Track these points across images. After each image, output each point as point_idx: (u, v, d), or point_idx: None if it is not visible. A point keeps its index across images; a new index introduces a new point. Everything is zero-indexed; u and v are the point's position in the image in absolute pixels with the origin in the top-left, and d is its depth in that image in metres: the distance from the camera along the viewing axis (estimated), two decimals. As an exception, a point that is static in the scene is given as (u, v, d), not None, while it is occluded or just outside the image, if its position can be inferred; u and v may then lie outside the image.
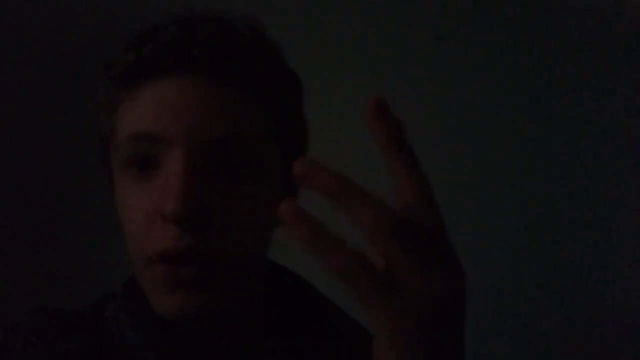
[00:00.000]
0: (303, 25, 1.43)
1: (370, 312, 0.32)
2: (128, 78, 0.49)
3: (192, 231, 0.46)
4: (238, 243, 0.48)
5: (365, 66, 1.50)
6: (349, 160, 1.43)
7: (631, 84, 1.59)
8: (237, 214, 0.48)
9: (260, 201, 0.50)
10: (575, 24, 1.61)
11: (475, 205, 1.55)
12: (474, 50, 1.56)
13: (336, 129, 1.40)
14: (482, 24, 1.58)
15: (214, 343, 0.54)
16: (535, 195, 1.58)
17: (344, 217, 0.32)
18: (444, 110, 1.55)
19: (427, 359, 0.33)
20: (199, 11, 0.52)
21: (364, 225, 0.32)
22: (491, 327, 1.50)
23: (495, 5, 1.58)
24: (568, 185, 1.59)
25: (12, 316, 0.54)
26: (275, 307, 0.59)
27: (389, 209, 0.32)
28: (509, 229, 1.57)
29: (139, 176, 0.48)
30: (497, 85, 1.58)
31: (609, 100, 1.61)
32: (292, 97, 0.55)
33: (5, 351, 0.50)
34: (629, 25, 1.64)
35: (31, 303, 0.59)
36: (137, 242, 0.48)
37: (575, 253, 1.61)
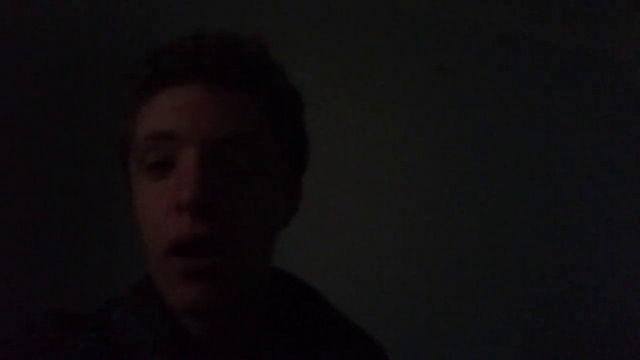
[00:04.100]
0: (308, 49, 1.46)
1: None
2: (146, 87, 0.54)
3: (205, 220, 0.49)
4: (246, 236, 0.51)
5: (367, 91, 1.54)
6: (350, 169, 1.47)
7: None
8: (245, 209, 0.51)
9: (265, 200, 0.53)
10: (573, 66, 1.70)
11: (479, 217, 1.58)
12: (473, 81, 1.63)
13: (338, 149, 1.44)
14: (482, 58, 1.65)
15: (223, 346, 0.55)
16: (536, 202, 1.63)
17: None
18: (443, 137, 1.60)
19: None
20: (209, 31, 0.57)
21: None
22: (491, 327, 1.51)
23: (495, 40, 1.66)
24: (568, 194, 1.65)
25: (24, 317, 0.55)
26: (282, 312, 0.60)
27: None
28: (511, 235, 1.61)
29: (156, 175, 0.52)
30: (495, 115, 1.64)
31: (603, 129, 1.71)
32: (293, 108, 0.59)
33: (17, 349, 0.51)
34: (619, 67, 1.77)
35: (40, 306, 0.60)
36: (153, 236, 0.51)
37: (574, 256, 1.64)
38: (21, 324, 0.54)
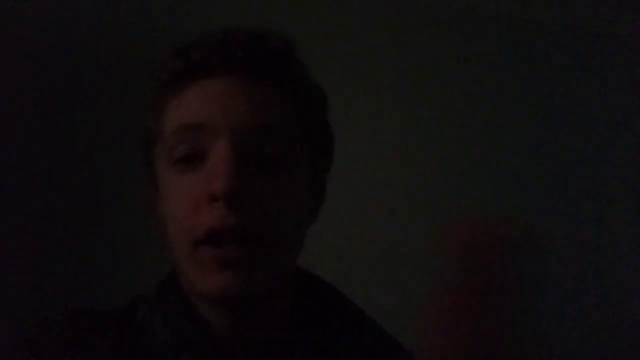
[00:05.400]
0: (326, 41, 1.46)
1: None
2: (176, 81, 0.54)
3: (238, 210, 0.49)
4: (276, 227, 0.52)
5: (386, 82, 1.53)
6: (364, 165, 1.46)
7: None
8: (274, 200, 0.52)
9: (292, 193, 0.54)
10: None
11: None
12: (492, 71, 1.61)
13: (357, 141, 1.43)
14: (500, 48, 1.64)
15: (246, 344, 0.55)
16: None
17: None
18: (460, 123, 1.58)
19: None
20: (235, 26, 0.57)
21: None
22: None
23: (513, 30, 1.64)
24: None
25: (45, 314, 0.55)
26: (305, 311, 0.59)
27: None
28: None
29: (186, 167, 0.52)
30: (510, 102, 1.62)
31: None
32: (318, 105, 0.59)
33: (40, 347, 0.51)
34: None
35: (61, 303, 0.60)
36: (184, 227, 0.51)
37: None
38: (43, 322, 0.54)
